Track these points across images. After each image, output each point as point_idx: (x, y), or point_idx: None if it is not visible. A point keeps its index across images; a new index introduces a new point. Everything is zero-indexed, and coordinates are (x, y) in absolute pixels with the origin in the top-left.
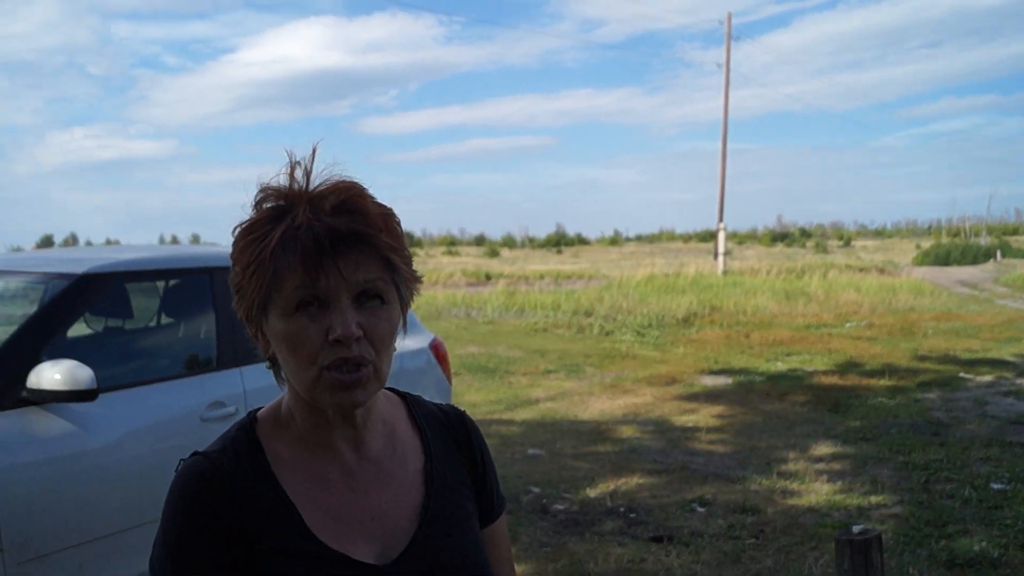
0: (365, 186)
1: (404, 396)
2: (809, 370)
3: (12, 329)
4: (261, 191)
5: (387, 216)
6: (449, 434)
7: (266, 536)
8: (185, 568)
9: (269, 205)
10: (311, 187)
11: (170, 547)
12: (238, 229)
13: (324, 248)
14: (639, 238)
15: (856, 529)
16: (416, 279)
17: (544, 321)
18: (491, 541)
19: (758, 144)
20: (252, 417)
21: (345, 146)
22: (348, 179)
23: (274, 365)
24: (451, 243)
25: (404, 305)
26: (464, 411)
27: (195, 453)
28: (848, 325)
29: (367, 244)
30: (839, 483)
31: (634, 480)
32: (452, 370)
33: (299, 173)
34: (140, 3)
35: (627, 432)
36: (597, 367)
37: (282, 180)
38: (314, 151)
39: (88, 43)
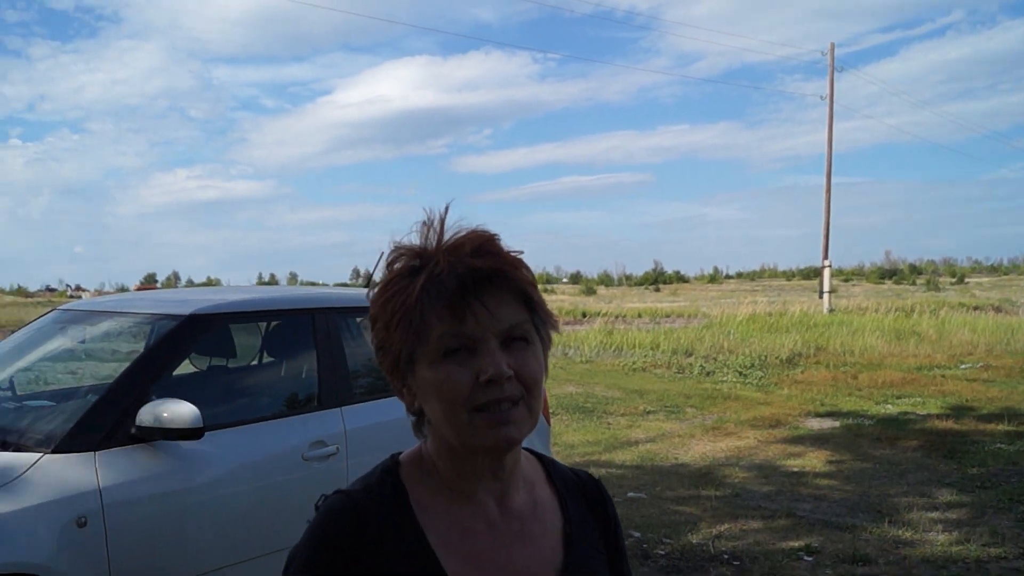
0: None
1: (541, 457)
2: (921, 414)
3: (122, 368)
4: (395, 251)
5: (520, 260)
6: (585, 499)
7: None
8: None
9: (402, 264)
10: (444, 241)
11: None
12: (374, 290)
13: (468, 288)
14: (740, 275)
15: None
16: (554, 322)
17: (643, 360)
18: None
19: (864, 178)
20: (395, 460)
21: (441, 185)
22: (479, 228)
23: (418, 418)
24: (547, 281)
25: (545, 347)
26: (599, 479)
27: (338, 491)
28: (963, 366)
29: (508, 281)
30: (956, 533)
31: (738, 526)
32: (550, 410)
33: (431, 231)
34: (239, 48)
35: (730, 476)
36: (698, 408)
37: (413, 239)
38: (447, 208)
39: (189, 87)
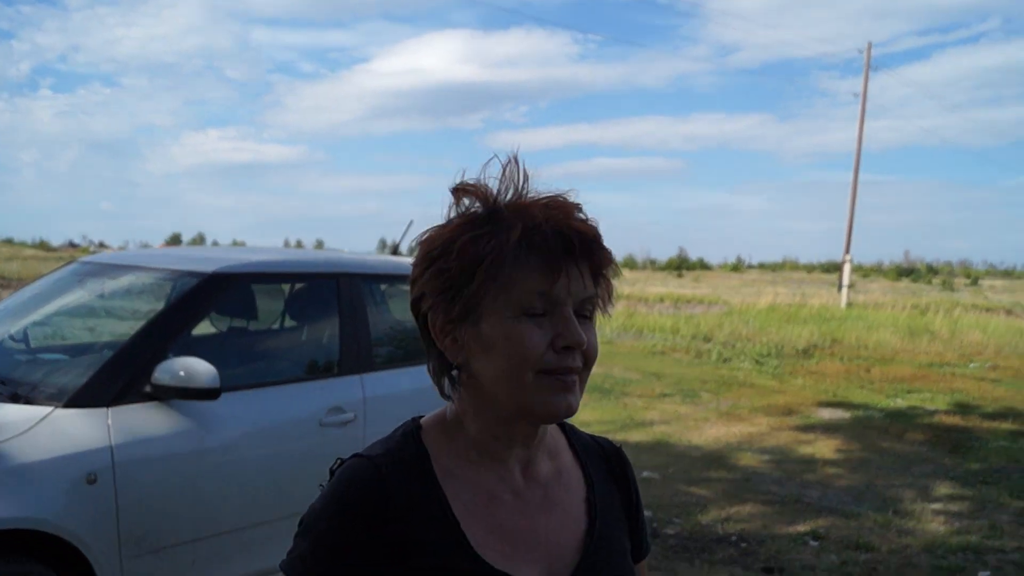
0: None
1: (562, 425)
2: (930, 409)
3: (140, 324)
4: (463, 188)
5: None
6: (606, 466)
7: (425, 551)
8: None
9: (473, 206)
10: (524, 197)
11: (320, 552)
12: (446, 228)
13: (572, 249)
14: (762, 266)
15: None
16: (609, 307)
17: (662, 344)
18: None
19: (889, 176)
20: (416, 424)
21: (476, 159)
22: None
23: (456, 373)
24: None
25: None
26: (620, 446)
27: (357, 455)
28: (972, 365)
29: (599, 252)
30: (956, 524)
31: (747, 509)
32: None
33: (507, 179)
34: (280, 10)
35: (741, 460)
36: (713, 393)
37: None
38: (517, 159)
39: (227, 47)
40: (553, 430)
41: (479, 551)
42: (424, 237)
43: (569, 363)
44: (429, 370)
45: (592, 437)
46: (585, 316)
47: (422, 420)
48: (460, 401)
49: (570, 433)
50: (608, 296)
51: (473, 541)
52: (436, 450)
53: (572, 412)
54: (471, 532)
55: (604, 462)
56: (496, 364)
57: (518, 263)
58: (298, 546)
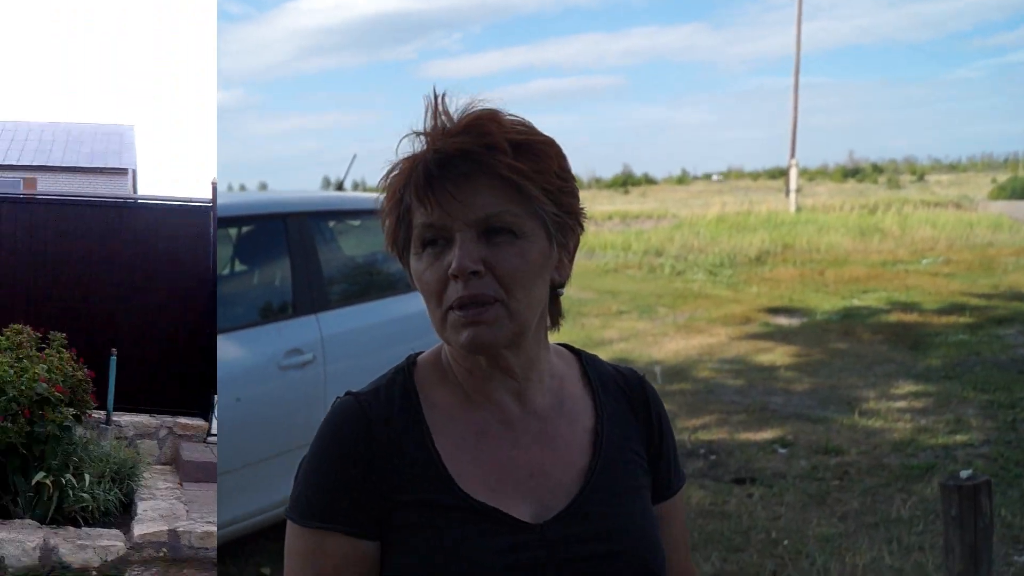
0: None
1: (579, 353)
2: (886, 308)
3: None
4: (413, 133)
5: (523, 142)
6: (625, 398)
7: (410, 487)
8: (326, 515)
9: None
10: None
11: (318, 492)
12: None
13: (432, 174)
14: (707, 177)
15: (964, 474)
16: (575, 213)
17: (615, 262)
18: (664, 519)
19: (829, 78)
20: (411, 361)
21: (412, 91)
22: (485, 106)
23: None
24: None
25: (557, 243)
26: (644, 375)
27: (348, 393)
28: (924, 262)
29: (484, 166)
30: (922, 422)
31: (713, 420)
32: None
33: (440, 111)
34: None
35: (703, 372)
36: (670, 307)
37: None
38: (440, 94)
39: None
40: (563, 357)
41: (460, 483)
42: None
43: (462, 292)
44: None
45: (614, 367)
46: (507, 233)
47: (418, 357)
48: None
49: (587, 361)
50: (547, 205)
51: (455, 474)
52: (427, 386)
53: (484, 345)
54: (454, 465)
55: (624, 393)
56: (424, 300)
57: (409, 196)
58: (297, 487)
